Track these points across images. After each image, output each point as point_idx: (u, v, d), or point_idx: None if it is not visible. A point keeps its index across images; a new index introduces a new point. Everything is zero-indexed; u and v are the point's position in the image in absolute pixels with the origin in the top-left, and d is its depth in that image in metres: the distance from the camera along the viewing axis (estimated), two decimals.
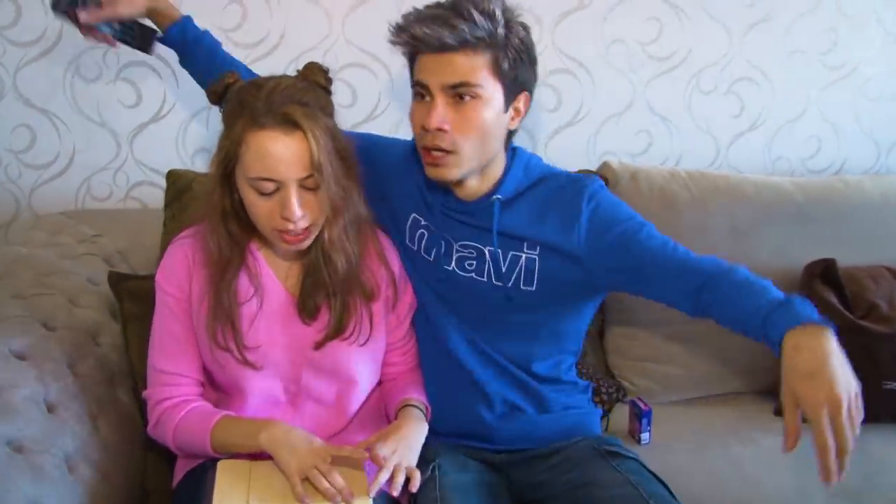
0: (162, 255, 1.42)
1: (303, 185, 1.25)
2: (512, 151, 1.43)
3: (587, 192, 1.38)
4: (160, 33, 1.51)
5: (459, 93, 1.27)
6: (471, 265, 1.41)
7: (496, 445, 1.47)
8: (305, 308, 1.36)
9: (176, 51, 1.53)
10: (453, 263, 1.42)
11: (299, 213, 1.24)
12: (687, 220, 1.88)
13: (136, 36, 1.50)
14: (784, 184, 1.98)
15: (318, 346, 1.36)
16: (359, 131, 1.57)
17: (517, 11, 1.33)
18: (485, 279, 1.40)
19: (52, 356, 1.41)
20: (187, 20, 1.51)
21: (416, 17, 1.28)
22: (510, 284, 1.39)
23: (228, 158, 1.27)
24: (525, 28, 1.33)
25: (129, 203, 2.04)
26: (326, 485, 1.19)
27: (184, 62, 1.55)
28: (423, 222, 1.45)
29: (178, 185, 1.75)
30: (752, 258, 1.88)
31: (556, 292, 1.39)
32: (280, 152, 1.22)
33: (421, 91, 1.31)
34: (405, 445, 1.32)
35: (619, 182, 1.91)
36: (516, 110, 1.35)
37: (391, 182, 1.50)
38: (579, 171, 1.92)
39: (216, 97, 1.33)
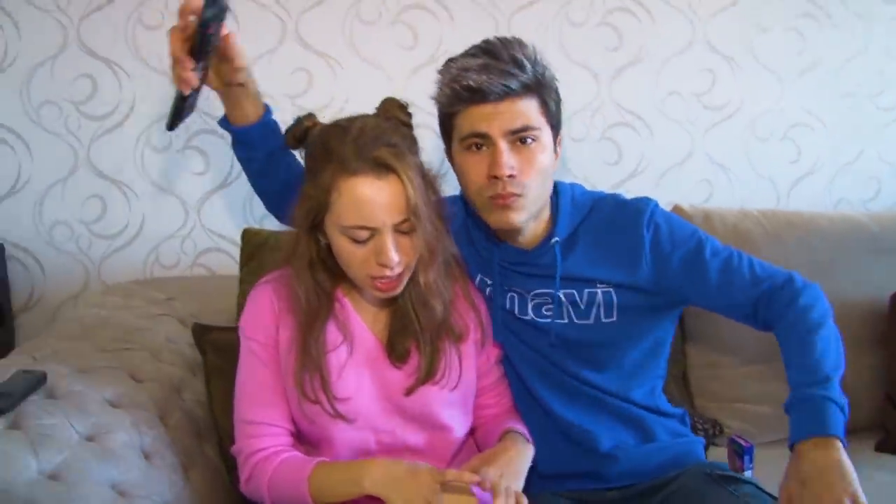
0: (240, 309, 1.39)
1: (398, 230, 1.21)
2: (553, 189, 1.40)
3: (645, 217, 1.36)
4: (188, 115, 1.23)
5: (522, 137, 1.27)
6: (549, 310, 1.38)
7: (606, 484, 1.40)
8: (395, 352, 1.32)
9: (239, 143, 1.37)
10: (530, 312, 1.39)
11: (396, 258, 1.20)
12: (765, 255, 1.81)
13: (185, 110, 1.20)
14: (857, 216, 1.97)
15: (409, 391, 1.31)
16: None
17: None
18: (566, 320, 1.37)
19: (144, 406, 1.37)
20: (269, 115, 1.36)
21: (464, 68, 1.27)
22: (591, 321, 1.36)
23: (318, 208, 1.22)
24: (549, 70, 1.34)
25: (196, 270, 2.04)
26: None
27: (245, 150, 1.38)
28: (488, 281, 1.42)
29: (254, 243, 1.75)
30: (834, 290, 1.83)
31: (637, 318, 1.37)
32: (375, 198, 1.18)
33: (477, 142, 1.28)
34: (512, 470, 1.26)
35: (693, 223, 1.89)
36: (556, 151, 1.35)
37: None
38: None
39: (295, 141, 1.30)
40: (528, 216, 1.32)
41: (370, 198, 1.18)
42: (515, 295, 1.40)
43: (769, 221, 1.91)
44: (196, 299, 1.86)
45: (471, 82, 1.24)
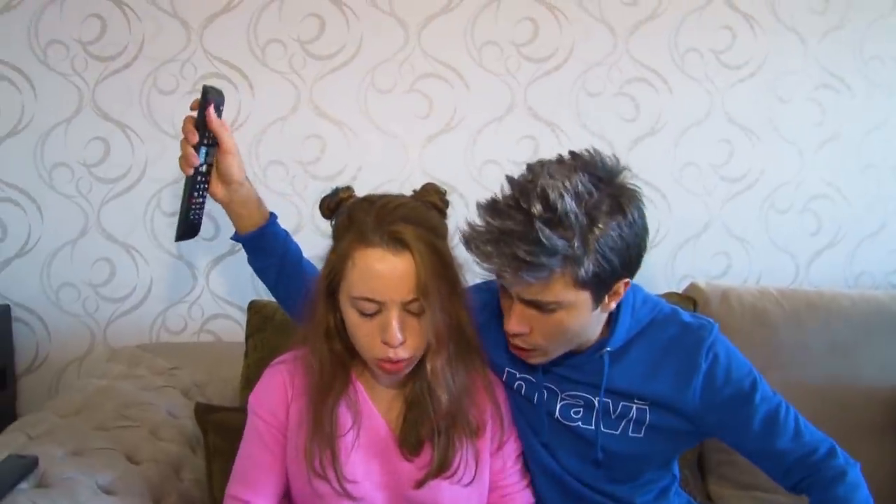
0: (245, 382, 1.36)
1: (406, 309, 1.17)
2: None
3: (705, 344, 1.27)
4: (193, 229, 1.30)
5: (537, 306, 1.17)
6: (577, 413, 1.31)
7: None
8: (407, 443, 1.26)
9: (252, 251, 1.37)
10: (558, 412, 1.32)
11: (400, 337, 1.16)
12: (784, 337, 1.81)
13: (191, 213, 1.27)
14: (879, 296, 1.91)
15: (419, 484, 1.25)
16: None
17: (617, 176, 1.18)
18: (592, 427, 1.30)
19: (139, 491, 1.34)
20: (274, 221, 1.36)
21: (482, 238, 1.14)
22: (618, 432, 1.30)
23: (334, 274, 1.20)
24: (618, 205, 1.14)
25: (203, 336, 2.01)
26: None
27: (259, 260, 1.38)
28: (518, 375, 1.36)
29: (261, 315, 1.72)
30: (856, 374, 1.82)
31: (663, 440, 1.30)
32: (385, 272, 1.15)
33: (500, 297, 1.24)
34: None
35: (709, 303, 1.85)
36: (614, 295, 1.20)
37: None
38: (665, 295, 1.88)
39: (329, 212, 1.27)
40: (557, 354, 1.25)
41: (380, 271, 1.15)
42: (546, 391, 1.33)
43: (788, 301, 1.86)
44: (201, 367, 1.83)
45: (481, 258, 1.13)
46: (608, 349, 1.27)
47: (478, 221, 1.16)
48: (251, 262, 1.39)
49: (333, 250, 1.22)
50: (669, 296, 1.87)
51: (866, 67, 2.14)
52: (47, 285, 1.97)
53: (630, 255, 1.17)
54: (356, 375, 1.29)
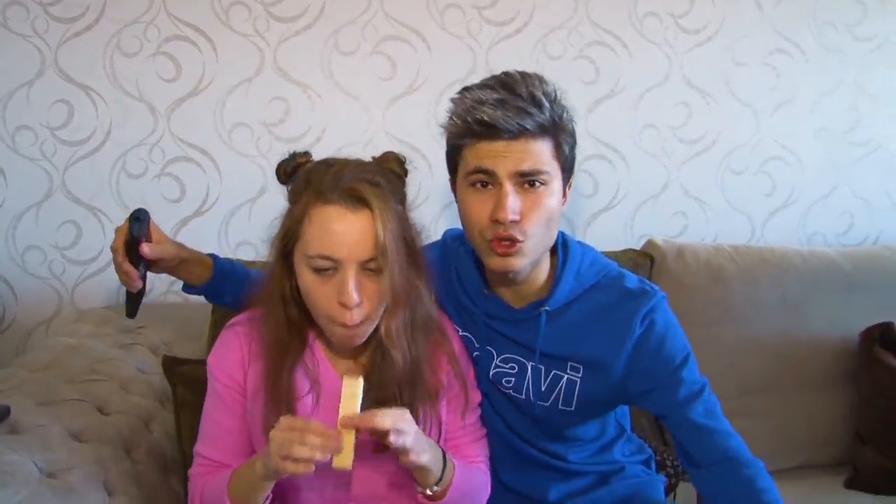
0: (212, 341, 1.37)
1: (364, 269, 1.15)
2: (563, 247, 1.34)
3: (643, 310, 1.28)
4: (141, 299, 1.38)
5: (530, 180, 1.20)
6: (509, 382, 1.34)
7: None
8: (368, 408, 1.22)
9: (209, 296, 1.45)
10: (491, 376, 1.35)
11: (356, 298, 1.14)
12: (737, 293, 1.88)
13: (139, 298, 1.37)
14: (830, 253, 1.98)
15: (381, 448, 1.20)
16: None
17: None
18: (523, 397, 1.33)
19: (109, 440, 1.36)
20: (218, 265, 1.42)
21: (479, 100, 1.20)
22: (548, 404, 1.32)
23: (289, 236, 1.18)
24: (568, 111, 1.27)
25: (170, 297, 2.03)
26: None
27: (215, 298, 1.46)
28: (461, 332, 1.38)
29: None
30: (805, 328, 1.89)
31: (593, 410, 1.34)
32: (343, 229, 1.13)
33: (483, 179, 1.22)
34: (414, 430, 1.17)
35: (665, 259, 1.91)
36: (565, 196, 1.29)
37: None
38: (624, 251, 1.94)
39: (286, 176, 1.26)
40: (529, 262, 1.25)
41: (337, 228, 1.13)
42: (483, 355, 1.35)
43: (742, 258, 1.93)
44: (168, 327, 1.85)
45: (485, 116, 1.18)
46: (546, 308, 1.29)
47: (467, 96, 1.23)
48: (211, 301, 1.48)
49: (289, 213, 1.20)
50: (627, 252, 1.93)
51: (820, 32, 2.21)
52: (13, 248, 1.96)
53: (575, 158, 1.29)
54: (315, 336, 1.28)
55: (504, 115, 1.17)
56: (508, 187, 1.19)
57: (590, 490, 1.39)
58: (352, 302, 1.14)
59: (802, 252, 1.97)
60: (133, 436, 1.42)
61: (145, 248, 1.30)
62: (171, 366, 1.56)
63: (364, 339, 1.21)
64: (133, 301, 1.36)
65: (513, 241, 1.21)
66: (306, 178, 1.19)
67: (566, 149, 1.24)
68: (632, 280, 1.33)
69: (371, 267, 1.15)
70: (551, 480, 1.39)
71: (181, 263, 1.38)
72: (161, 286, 2.02)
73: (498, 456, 1.37)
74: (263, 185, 2.00)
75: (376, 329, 1.21)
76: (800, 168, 2.25)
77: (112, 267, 1.94)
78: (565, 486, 1.39)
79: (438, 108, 2.03)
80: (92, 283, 2.00)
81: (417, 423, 1.21)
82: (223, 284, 1.41)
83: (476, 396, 1.36)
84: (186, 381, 1.54)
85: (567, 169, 1.26)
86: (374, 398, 1.20)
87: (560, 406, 1.31)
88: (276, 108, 1.99)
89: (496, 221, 1.20)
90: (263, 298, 1.25)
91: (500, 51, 2.05)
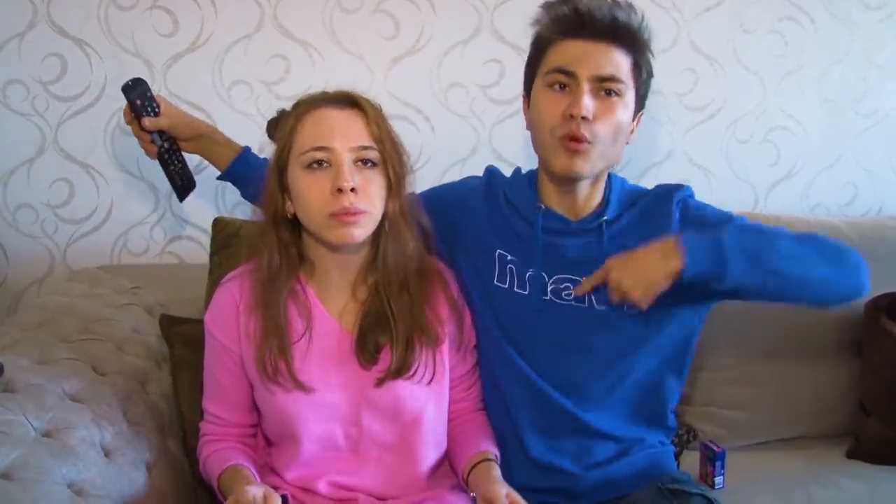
0: (209, 299, 1.36)
1: (359, 159, 1.20)
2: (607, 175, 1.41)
3: (675, 198, 1.36)
4: (192, 188, 1.55)
5: (607, 88, 1.26)
6: (568, 295, 1.35)
7: (575, 501, 1.38)
8: (365, 350, 1.27)
9: (238, 184, 1.52)
10: (549, 292, 1.35)
11: (351, 180, 1.17)
12: None
13: (177, 178, 1.51)
14: (835, 223, 1.96)
15: (380, 383, 1.26)
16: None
17: None
18: (585, 305, 1.34)
19: (106, 400, 1.33)
20: (248, 151, 1.51)
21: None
22: (614, 306, 1.30)
23: (284, 148, 1.24)
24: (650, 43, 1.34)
25: (165, 258, 1.99)
26: None
27: (247, 193, 1.51)
28: (509, 257, 1.38)
29: (226, 232, 1.70)
30: None
31: (655, 307, 1.28)
32: (334, 121, 1.20)
33: (562, 80, 1.27)
34: None
35: None
36: (637, 121, 1.36)
37: (463, 226, 1.43)
38: None
39: (274, 130, 1.31)
40: (590, 171, 1.29)
41: (329, 121, 1.20)
42: (535, 273, 1.35)
43: None
44: (164, 288, 1.81)
45: (579, 6, 1.25)
46: (606, 217, 1.35)
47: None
48: (242, 195, 1.53)
49: (279, 135, 1.26)
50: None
51: (829, 1, 2.16)
52: (4, 206, 1.92)
53: (647, 94, 1.36)
54: (306, 280, 1.30)
55: (599, 7, 1.25)
56: (586, 87, 1.25)
57: (613, 461, 1.38)
58: (346, 182, 1.17)
59: (809, 221, 1.95)
60: (130, 396, 1.39)
61: (145, 122, 1.41)
62: (169, 325, 1.54)
63: (364, 235, 1.22)
64: (174, 184, 1.51)
65: (582, 140, 1.25)
66: (294, 107, 1.26)
67: (643, 73, 1.31)
68: (662, 185, 1.42)
69: (366, 157, 1.21)
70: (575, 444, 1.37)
71: (203, 140, 1.49)
72: (156, 247, 1.98)
73: (528, 416, 1.37)
74: (263, 141, 1.93)
75: (378, 242, 1.26)
76: (805, 137, 2.22)
77: (106, 227, 1.95)
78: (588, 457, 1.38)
79: (441, 69, 1.99)
80: (85, 243, 1.96)
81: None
82: (249, 170, 1.46)
83: (471, 339, 1.39)
84: (184, 341, 1.52)
85: (640, 94, 1.32)
86: (374, 341, 1.27)
87: (627, 308, 1.29)
88: (276, 65, 1.94)
89: (570, 117, 1.24)
90: (258, 224, 1.29)
91: (507, 10, 2.00)
